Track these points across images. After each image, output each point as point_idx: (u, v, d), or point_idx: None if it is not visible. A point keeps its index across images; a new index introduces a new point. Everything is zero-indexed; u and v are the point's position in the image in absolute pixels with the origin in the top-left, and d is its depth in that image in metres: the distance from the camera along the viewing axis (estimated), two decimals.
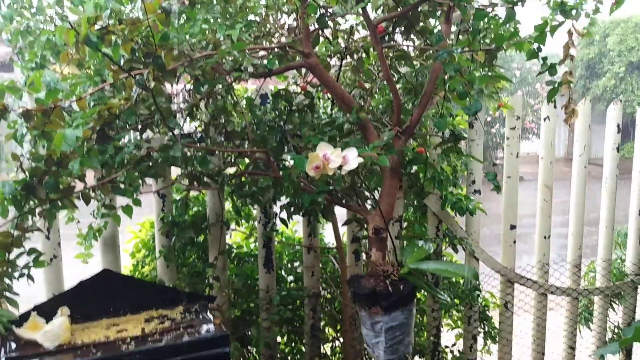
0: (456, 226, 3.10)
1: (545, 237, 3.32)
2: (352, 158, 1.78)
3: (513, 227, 3.23)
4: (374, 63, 2.33)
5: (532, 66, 18.00)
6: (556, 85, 1.97)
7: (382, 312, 1.87)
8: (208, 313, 2.01)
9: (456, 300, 3.16)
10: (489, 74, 2.16)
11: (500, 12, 2.16)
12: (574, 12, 2.17)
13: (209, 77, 1.93)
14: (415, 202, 3.14)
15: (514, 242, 3.25)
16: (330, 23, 2.17)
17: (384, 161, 1.81)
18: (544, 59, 1.86)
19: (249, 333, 2.82)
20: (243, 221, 2.93)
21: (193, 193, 2.75)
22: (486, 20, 1.97)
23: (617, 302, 3.66)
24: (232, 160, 2.27)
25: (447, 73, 1.83)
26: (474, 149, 3.09)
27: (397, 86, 2.55)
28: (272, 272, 2.76)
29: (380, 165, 2.05)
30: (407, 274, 1.96)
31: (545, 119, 3.25)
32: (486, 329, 3.32)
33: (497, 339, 3.30)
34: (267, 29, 2.07)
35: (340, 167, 1.80)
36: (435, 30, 2.19)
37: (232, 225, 2.92)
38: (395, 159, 2.02)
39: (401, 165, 2.08)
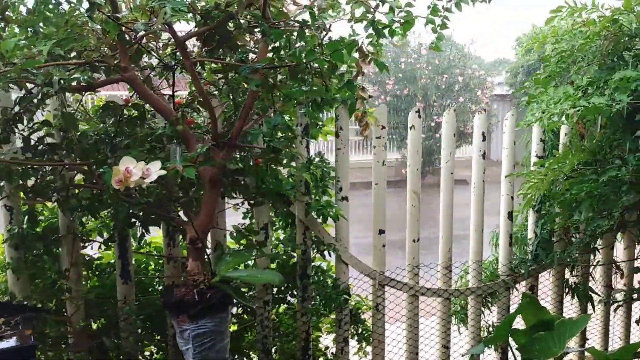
0: (323, 232, 3.19)
1: (414, 241, 3.44)
2: (154, 171, 1.85)
3: (382, 231, 3.35)
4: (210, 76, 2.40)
5: (474, 72, 18.42)
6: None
7: (189, 320, 1.93)
8: (24, 325, 2.03)
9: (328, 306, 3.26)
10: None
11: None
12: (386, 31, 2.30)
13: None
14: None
15: (383, 245, 3.36)
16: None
17: (190, 173, 1.88)
18: (342, 75, 1.97)
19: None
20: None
21: (49, 204, 2.76)
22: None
23: (492, 302, 3.83)
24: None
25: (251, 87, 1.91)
26: (341, 158, 3.19)
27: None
28: (129, 283, 2.79)
29: (201, 177, 2.11)
30: (220, 282, 2.03)
31: (410, 128, 3.38)
32: (359, 331, 3.43)
33: (370, 341, 3.41)
34: (90, 43, 2.10)
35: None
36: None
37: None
38: (214, 170, 2.09)
39: (222, 176, 2.15)
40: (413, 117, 3.37)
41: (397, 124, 17.53)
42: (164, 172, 1.82)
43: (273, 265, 3.14)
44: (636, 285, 4.04)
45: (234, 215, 3.05)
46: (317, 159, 3.16)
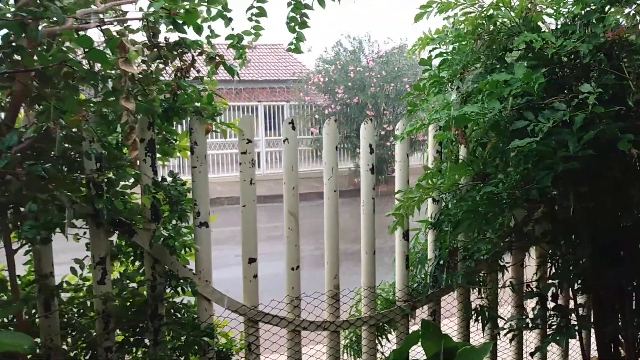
0: (177, 265, 2.76)
1: (293, 269, 3.04)
2: None
3: (252, 260, 2.94)
4: None
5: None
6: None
7: None
8: None
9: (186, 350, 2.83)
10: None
11: None
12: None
13: None
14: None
15: (255, 276, 2.95)
16: None
17: None
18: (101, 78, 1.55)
19: None
20: None
21: None
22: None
23: (390, 330, 3.45)
24: None
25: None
26: (198, 177, 2.78)
27: None
28: None
29: None
30: None
31: (284, 142, 2.99)
32: None
33: None
34: None
35: None
36: None
37: None
38: None
39: None
40: (286, 129, 2.98)
41: (349, 132, 17.25)
42: None
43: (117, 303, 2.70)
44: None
45: None
46: (169, 179, 2.75)
